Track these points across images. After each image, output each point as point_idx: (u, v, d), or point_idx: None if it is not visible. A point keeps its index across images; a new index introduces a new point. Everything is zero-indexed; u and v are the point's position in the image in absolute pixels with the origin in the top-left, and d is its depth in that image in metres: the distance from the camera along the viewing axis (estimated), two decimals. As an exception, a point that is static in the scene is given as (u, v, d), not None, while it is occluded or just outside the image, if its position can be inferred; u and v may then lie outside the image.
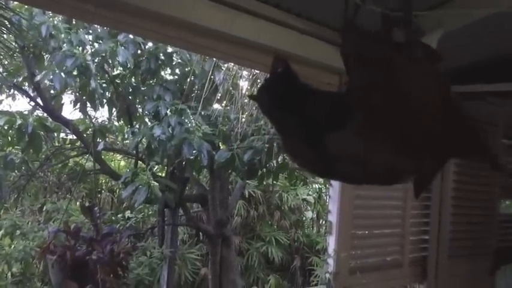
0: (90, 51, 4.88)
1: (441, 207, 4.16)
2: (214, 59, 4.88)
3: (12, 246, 5.67)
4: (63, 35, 4.75)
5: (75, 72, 4.86)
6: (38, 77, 5.18)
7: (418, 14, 2.78)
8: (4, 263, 5.39)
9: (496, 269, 4.66)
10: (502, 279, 4.85)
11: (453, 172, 4.23)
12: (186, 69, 5.63)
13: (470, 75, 3.97)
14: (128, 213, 6.39)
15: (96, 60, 4.92)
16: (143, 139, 5.00)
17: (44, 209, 6.97)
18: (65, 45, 4.66)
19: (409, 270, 4.11)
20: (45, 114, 5.69)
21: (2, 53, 4.03)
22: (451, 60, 3.87)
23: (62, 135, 6.42)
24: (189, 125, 4.98)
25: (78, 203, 7.50)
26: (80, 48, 4.75)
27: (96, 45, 5.03)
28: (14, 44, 4.67)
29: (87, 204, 7.22)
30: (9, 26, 3.70)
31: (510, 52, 3.74)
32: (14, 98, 6.07)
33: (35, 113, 5.62)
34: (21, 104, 6.07)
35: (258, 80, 4.84)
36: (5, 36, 3.89)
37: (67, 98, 5.91)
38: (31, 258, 5.29)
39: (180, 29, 2.59)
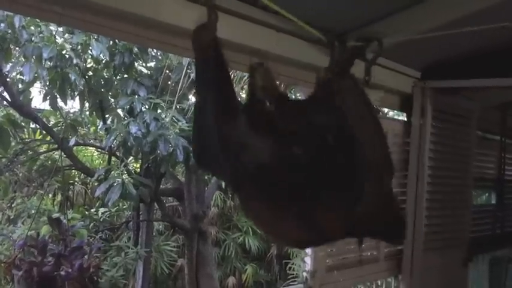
0: (66, 41, 4.75)
1: (416, 201, 4.19)
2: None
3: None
4: (33, 27, 4.60)
5: (48, 64, 4.72)
6: (7, 68, 5.02)
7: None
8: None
9: (469, 260, 4.75)
10: (474, 269, 4.95)
11: (428, 167, 4.25)
12: (161, 63, 5.52)
13: (448, 70, 4.00)
14: (101, 210, 6.27)
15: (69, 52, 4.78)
16: (118, 136, 4.89)
17: (13, 205, 6.80)
18: (36, 37, 4.52)
19: (385, 265, 4.14)
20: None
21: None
22: (426, 55, 3.90)
23: (32, 126, 6.25)
24: (165, 120, 4.89)
25: (51, 196, 7.34)
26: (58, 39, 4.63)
27: (67, 37, 4.88)
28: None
29: (60, 199, 7.09)
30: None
31: (485, 47, 3.76)
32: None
33: (2, 108, 5.44)
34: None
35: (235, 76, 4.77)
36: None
37: (35, 91, 5.75)
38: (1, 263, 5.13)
39: (153, 29, 2.50)
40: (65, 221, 2.40)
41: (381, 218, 1.54)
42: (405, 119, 4.42)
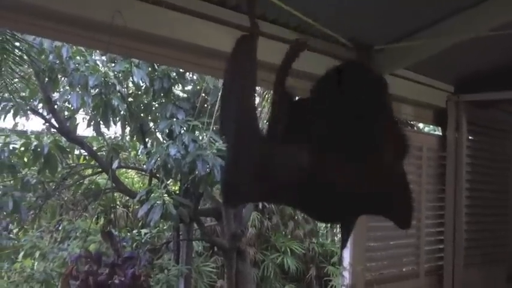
0: (109, 69, 5.01)
1: (455, 215, 4.18)
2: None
3: (32, 267, 5.75)
4: (79, 57, 4.88)
5: (93, 91, 4.99)
6: (56, 97, 5.30)
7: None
8: (26, 285, 5.48)
9: (514, 276, 4.66)
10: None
11: (465, 180, 4.24)
12: (198, 86, 5.72)
13: (480, 83, 4.02)
14: (143, 231, 6.47)
15: (112, 80, 5.04)
16: (158, 159, 5.08)
17: (60, 227, 7.07)
18: (82, 66, 4.79)
19: (425, 280, 4.12)
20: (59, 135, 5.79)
21: (18, 81, 4.15)
22: (459, 69, 3.95)
23: (77, 152, 6.51)
24: (203, 141, 5.05)
25: (94, 220, 7.58)
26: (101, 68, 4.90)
27: (111, 65, 5.15)
28: (29, 70, 4.80)
29: (103, 222, 7.32)
30: (24, 56, 3.82)
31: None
32: (27, 118, 6.17)
33: (49, 135, 5.72)
34: (34, 124, 6.17)
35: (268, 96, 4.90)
36: (20, 66, 4.02)
37: (80, 117, 6.02)
38: (52, 279, 5.37)
39: (191, 52, 2.66)
40: (116, 233, 2.54)
41: (391, 198, 1.64)
42: (440, 134, 4.45)
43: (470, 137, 4.33)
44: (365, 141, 1.58)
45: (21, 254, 5.98)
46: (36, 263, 5.80)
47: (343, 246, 1.91)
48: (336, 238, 10.02)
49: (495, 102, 4.30)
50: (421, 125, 6.81)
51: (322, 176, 1.51)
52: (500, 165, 4.69)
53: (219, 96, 1.76)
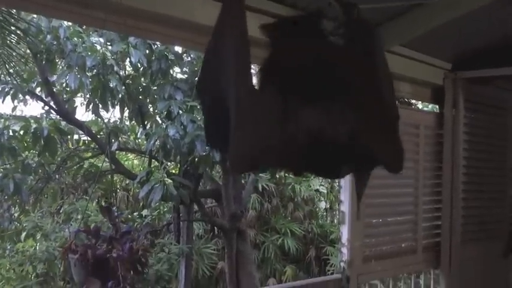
0: (107, 49, 5.01)
1: (452, 192, 4.21)
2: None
3: (35, 247, 5.84)
4: (76, 38, 4.88)
5: (90, 73, 4.99)
6: (54, 78, 5.31)
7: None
8: (29, 264, 5.56)
9: (510, 252, 4.71)
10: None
11: (462, 157, 4.27)
12: (196, 68, 5.71)
13: (477, 60, 4.03)
14: (144, 212, 6.52)
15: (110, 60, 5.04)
16: (157, 140, 5.10)
17: (61, 210, 7.13)
18: (80, 47, 4.79)
19: (423, 256, 4.17)
20: (58, 118, 5.81)
21: (16, 62, 4.15)
22: (456, 46, 3.94)
23: (76, 137, 6.54)
24: (201, 121, 5.06)
25: (95, 203, 7.64)
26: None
27: (108, 47, 5.15)
28: (27, 51, 4.79)
29: (104, 204, 7.37)
30: (22, 35, 3.81)
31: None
32: (25, 104, 6.18)
33: (49, 117, 5.74)
34: (33, 108, 6.19)
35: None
36: (18, 45, 4.01)
37: (78, 101, 6.04)
38: (54, 258, 5.45)
39: (186, 29, 2.67)
40: (114, 208, 2.58)
41: (381, 144, 1.65)
42: (437, 111, 4.46)
43: (467, 115, 4.34)
44: (354, 86, 1.58)
45: (23, 235, 6.05)
46: (38, 244, 5.88)
47: (358, 198, 1.87)
48: (334, 219, 10.10)
49: (492, 79, 4.31)
50: (420, 105, 6.82)
51: (316, 128, 1.51)
52: (497, 142, 4.71)
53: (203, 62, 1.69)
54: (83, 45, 4.72)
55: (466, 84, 4.20)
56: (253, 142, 1.47)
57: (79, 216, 6.15)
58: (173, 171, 6.28)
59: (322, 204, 10.49)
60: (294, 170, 1.81)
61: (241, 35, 1.50)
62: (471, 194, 4.39)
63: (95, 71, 4.96)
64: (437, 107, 4.52)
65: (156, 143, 5.22)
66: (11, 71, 4.35)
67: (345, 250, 3.54)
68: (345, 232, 3.57)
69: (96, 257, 2.02)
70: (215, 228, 8.30)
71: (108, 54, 4.82)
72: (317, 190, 9.96)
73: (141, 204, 7.56)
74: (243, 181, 7.18)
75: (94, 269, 2.09)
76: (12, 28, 3.64)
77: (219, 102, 1.54)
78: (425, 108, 6.68)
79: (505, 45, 3.79)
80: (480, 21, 3.46)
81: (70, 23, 4.78)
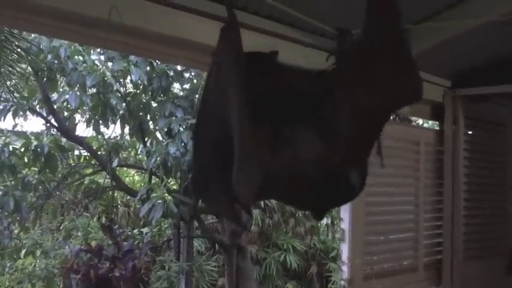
0: (107, 69, 5.04)
1: (453, 209, 4.20)
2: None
3: (34, 265, 5.80)
4: (77, 57, 4.92)
5: (91, 91, 5.02)
6: (54, 97, 5.34)
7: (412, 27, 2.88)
8: (28, 282, 5.53)
9: (512, 269, 4.68)
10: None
11: (463, 174, 4.27)
12: (196, 82, 5.75)
13: (476, 77, 4.05)
14: (145, 229, 6.52)
15: (109, 79, 5.07)
16: (158, 157, 5.12)
17: (62, 227, 7.10)
18: (81, 66, 4.83)
19: (425, 274, 4.15)
20: (59, 134, 5.82)
21: (17, 80, 4.18)
22: (455, 63, 3.97)
23: (76, 152, 6.55)
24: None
25: (95, 220, 7.62)
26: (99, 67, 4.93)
27: (109, 64, 5.18)
28: (28, 69, 4.83)
29: (104, 221, 7.36)
30: (23, 54, 3.85)
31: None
32: (25, 119, 6.19)
33: (49, 134, 5.75)
34: (33, 124, 6.21)
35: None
36: (19, 63, 4.05)
37: (78, 117, 6.05)
38: (53, 275, 5.42)
39: (186, 48, 2.69)
40: (116, 226, 2.58)
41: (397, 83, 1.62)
42: (437, 128, 4.47)
43: (467, 131, 4.35)
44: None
45: (23, 252, 6.02)
46: (37, 261, 5.85)
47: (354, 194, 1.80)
48: (336, 235, 10.04)
49: (491, 96, 4.32)
50: (420, 121, 6.84)
51: (304, 154, 1.52)
52: (497, 158, 4.71)
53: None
54: (84, 64, 4.76)
55: (465, 101, 4.22)
56: (258, 173, 1.47)
57: (79, 233, 6.14)
58: (173, 187, 6.28)
59: (324, 220, 10.44)
60: (297, 202, 1.79)
61: (239, 70, 1.50)
62: (472, 210, 4.38)
63: (95, 89, 4.99)
64: (437, 123, 4.53)
65: (157, 160, 5.23)
66: (11, 88, 4.38)
67: (345, 268, 3.52)
68: (345, 250, 3.55)
69: (99, 277, 2.00)
70: (216, 244, 8.26)
71: (108, 73, 4.85)
72: (318, 206, 9.91)
73: (142, 220, 7.54)
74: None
75: (97, 289, 2.08)
76: (14, 46, 3.68)
77: (215, 144, 1.53)
78: (425, 125, 6.69)
79: (503, 63, 3.82)
80: (479, 38, 3.49)
81: (71, 42, 4.83)
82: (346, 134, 1.55)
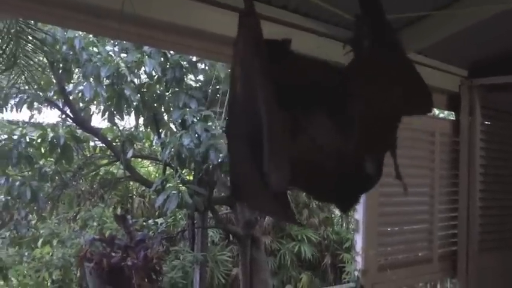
0: (121, 60, 5.06)
1: (469, 200, 4.16)
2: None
3: (51, 254, 5.90)
4: (91, 48, 4.94)
5: (106, 82, 5.05)
6: (70, 88, 5.39)
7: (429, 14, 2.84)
8: (45, 271, 5.63)
9: (529, 261, 4.62)
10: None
11: (479, 165, 4.22)
12: (210, 73, 5.75)
13: (493, 67, 3.98)
14: (160, 220, 6.57)
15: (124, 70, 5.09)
16: (172, 149, 5.15)
17: (78, 217, 7.20)
18: (95, 57, 4.85)
19: (439, 265, 4.12)
20: (74, 125, 5.88)
21: (33, 70, 4.22)
22: (472, 53, 3.91)
23: (92, 144, 6.61)
24: (215, 130, 5.09)
25: (111, 210, 7.70)
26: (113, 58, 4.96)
27: (123, 56, 5.20)
28: (44, 60, 4.86)
29: (119, 211, 7.43)
30: (39, 44, 3.88)
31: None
32: (40, 112, 6.25)
33: (65, 125, 5.81)
34: (48, 117, 6.27)
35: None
36: (35, 54, 4.08)
37: (93, 109, 6.10)
38: (70, 264, 5.51)
39: (200, 38, 2.68)
40: (129, 216, 2.61)
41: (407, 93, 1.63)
42: (453, 118, 4.42)
43: (483, 122, 4.29)
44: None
45: (40, 241, 6.12)
46: (54, 250, 5.94)
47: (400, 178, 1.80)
48: (350, 226, 10.03)
49: (508, 86, 4.24)
50: (436, 111, 6.76)
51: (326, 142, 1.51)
52: (515, 149, 4.64)
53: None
54: (98, 55, 4.78)
55: (482, 91, 4.15)
56: (287, 159, 1.45)
57: (95, 223, 6.21)
58: (188, 177, 6.31)
59: (338, 211, 10.42)
60: (318, 192, 1.77)
61: (262, 58, 1.48)
62: (488, 202, 4.33)
63: (110, 80, 5.01)
64: (453, 113, 4.47)
65: (171, 151, 5.26)
66: (29, 80, 4.42)
67: (359, 259, 3.51)
68: (359, 240, 3.54)
69: (111, 266, 2.03)
70: (230, 235, 8.31)
71: (122, 64, 4.87)
72: (332, 197, 9.89)
73: (157, 211, 7.60)
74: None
75: (109, 278, 2.11)
76: (30, 38, 3.71)
77: (249, 139, 1.48)
78: (440, 115, 6.62)
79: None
80: (496, 27, 3.42)
81: (85, 33, 4.85)
82: (359, 124, 1.54)
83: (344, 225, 10.52)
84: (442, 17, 3.08)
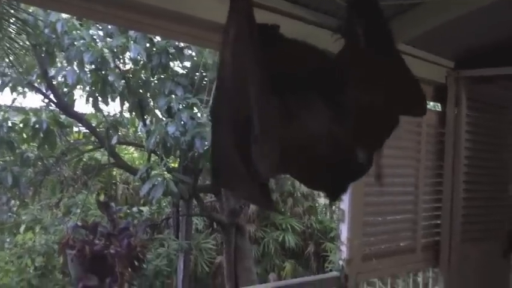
0: (106, 44, 4.97)
1: (453, 191, 4.18)
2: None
3: (34, 240, 5.84)
4: (75, 32, 4.84)
5: (88, 67, 4.96)
6: (52, 72, 5.29)
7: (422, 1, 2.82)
8: (27, 257, 5.57)
9: (510, 252, 4.68)
10: (515, 261, 4.87)
11: (464, 156, 4.24)
12: (197, 59, 5.69)
13: (480, 58, 3.99)
14: (144, 208, 6.53)
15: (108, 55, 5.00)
16: (157, 136, 5.10)
17: (61, 204, 7.12)
18: (78, 41, 4.76)
19: (422, 255, 4.15)
20: (58, 110, 5.79)
21: (15, 52, 4.12)
22: (459, 44, 3.91)
23: (75, 129, 6.53)
24: (201, 118, 5.05)
25: (94, 196, 7.64)
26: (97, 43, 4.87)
27: (108, 40, 5.11)
28: (26, 43, 4.76)
29: (103, 198, 7.37)
30: (21, 26, 3.78)
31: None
32: (24, 96, 6.14)
33: (48, 110, 5.72)
34: (31, 101, 6.16)
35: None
36: (19, 36, 3.98)
37: (77, 94, 6.02)
38: (53, 251, 5.45)
39: (189, 25, 2.63)
40: (112, 203, 2.59)
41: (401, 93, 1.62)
42: (439, 110, 4.43)
43: (469, 113, 4.31)
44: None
45: (23, 227, 6.05)
46: (37, 237, 5.88)
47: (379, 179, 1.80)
48: (333, 215, 10.09)
49: (495, 78, 4.26)
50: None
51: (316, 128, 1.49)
52: (499, 141, 4.67)
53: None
54: (81, 40, 4.68)
55: (468, 83, 4.16)
56: (276, 145, 1.42)
57: (78, 210, 6.15)
58: (172, 165, 6.27)
59: (321, 200, 10.48)
60: (308, 179, 1.76)
61: (253, 41, 1.44)
62: (472, 193, 4.36)
63: (94, 65, 4.92)
64: (439, 105, 4.48)
65: (156, 139, 5.21)
66: (11, 63, 4.32)
67: (344, 248, 3.51)
68: (344, 230, 3.54)
69: (94, 253, 2.00)
70: (214, 223, 8.30)
71: (106, 50, 4.78)
72: (317, 186, 9.92)
73: (142, 198, 7.56)
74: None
75: (91, 265, 2.08)
76: (13, 20, 3.61)
77: (235, 125, 1.46)
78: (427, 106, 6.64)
79: (508, 44, 3.75)
80: (483, 19, 3.42)
81: (69, 16, 4.74)
82: (352, 111, 1.52)
83: (328, 214, 10.59)
84: (435, 4, 3.06)
